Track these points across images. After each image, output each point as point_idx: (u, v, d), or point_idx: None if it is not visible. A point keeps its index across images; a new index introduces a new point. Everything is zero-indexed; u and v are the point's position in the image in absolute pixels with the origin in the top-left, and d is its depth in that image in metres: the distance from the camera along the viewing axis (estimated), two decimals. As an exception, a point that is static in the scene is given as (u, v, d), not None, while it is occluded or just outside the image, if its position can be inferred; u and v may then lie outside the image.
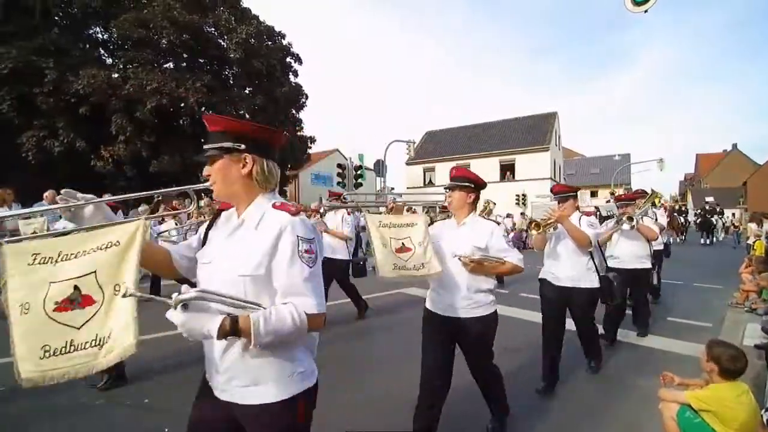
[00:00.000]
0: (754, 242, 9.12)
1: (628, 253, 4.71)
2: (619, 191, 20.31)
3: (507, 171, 29.65)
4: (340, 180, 17.12)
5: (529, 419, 2.92)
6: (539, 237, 3.52)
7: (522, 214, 21.02)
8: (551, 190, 3.61)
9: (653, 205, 6.41)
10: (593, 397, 3.35)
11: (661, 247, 6.68)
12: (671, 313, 5.96)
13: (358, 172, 17.26)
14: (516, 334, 4.55)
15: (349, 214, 5.53)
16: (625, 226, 4.45)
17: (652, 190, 6.00)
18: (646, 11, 5.56)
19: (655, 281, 6.48)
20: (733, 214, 24.02)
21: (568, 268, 3.45)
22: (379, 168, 19.61)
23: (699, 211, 22.09)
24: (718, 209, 22.59)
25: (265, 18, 20.73)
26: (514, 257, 2.40)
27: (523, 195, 25.99)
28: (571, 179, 38.19)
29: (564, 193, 3.63)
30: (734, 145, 55.47)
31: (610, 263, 4.62)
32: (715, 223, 20.68)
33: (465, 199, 2.51)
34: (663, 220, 6.46)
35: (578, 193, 3.77)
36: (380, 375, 3.88)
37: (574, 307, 3.51)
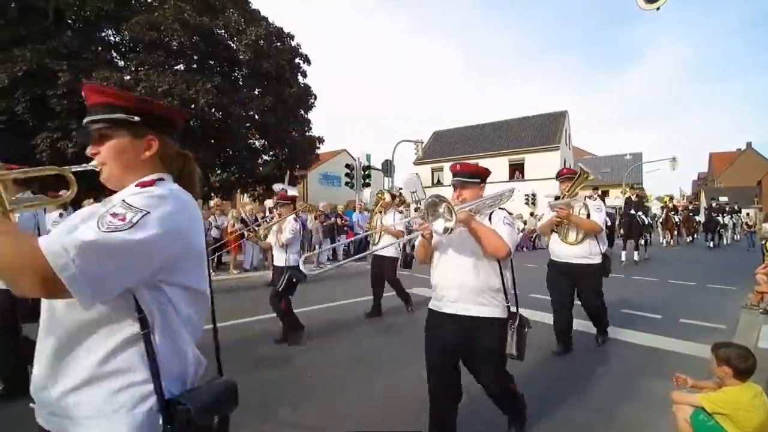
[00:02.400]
0: (766, 242, 8.93)
1: (454, 284, 2.39)
2: (625, 192, 18.96)
3: (516, 170, 29.50)
4: (348, 180, 17.20)
5: (537, 420, 2.91)
6: None
7: (531, 214, 20.90)
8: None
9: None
10: (604, 398, 3.33)
11: (597, 261, 4.26)
12: (683, 315, 5.87)
13: (366, 172, 17.31)
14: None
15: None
16: (437, 227, 2.10)
17: (581, 169, 4.28)
18: (658, 8, 5.48)
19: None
20: (748, 214, 23.40)
21: None
22: (387, 168, 19.65)
23: (706, 209, 20.63)
24: (728, 208, 20.75)
25: (274, 19, 20.90)
26: None
27: (532, 195, 25.85)
28: (581, 179, 37.82)
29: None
30: (748, 144, 54.62)
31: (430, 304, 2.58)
32: (723, 223, 18.77)
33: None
34: (600, 216, 4.23)
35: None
36: (389, 374, 3.89)
37: None
